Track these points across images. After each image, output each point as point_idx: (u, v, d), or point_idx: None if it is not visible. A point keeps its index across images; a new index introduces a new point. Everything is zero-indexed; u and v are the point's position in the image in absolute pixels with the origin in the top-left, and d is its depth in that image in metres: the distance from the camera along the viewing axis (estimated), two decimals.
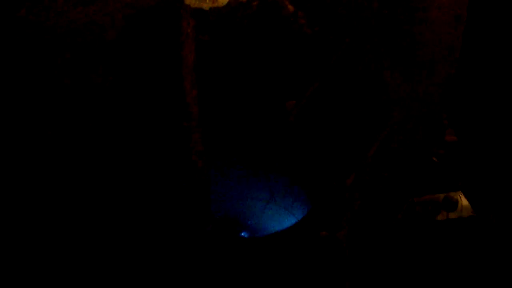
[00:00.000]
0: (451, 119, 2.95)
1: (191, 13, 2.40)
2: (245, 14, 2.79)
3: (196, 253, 2.58)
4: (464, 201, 2.73)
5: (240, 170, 3.08)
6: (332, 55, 2.88)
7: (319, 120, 2.95)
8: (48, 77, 2.29)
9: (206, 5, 2.40)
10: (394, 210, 2.82)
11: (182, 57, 2.42)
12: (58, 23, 2.24)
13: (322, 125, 2.95)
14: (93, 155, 2.46)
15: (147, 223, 2.55)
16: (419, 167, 2.84)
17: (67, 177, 2.42)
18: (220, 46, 2.88)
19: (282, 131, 2.98)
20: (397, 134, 2.72)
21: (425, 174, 2.86)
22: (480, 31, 3.32)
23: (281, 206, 3.08)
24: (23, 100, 2.28)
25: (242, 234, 3.12)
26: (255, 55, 3.01)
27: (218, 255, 2.59)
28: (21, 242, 2.39)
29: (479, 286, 2.65)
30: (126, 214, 2.53)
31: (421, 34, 2.59)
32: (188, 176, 2.55)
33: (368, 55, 2.68)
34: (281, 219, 3.08)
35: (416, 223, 2.74)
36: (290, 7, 2.88)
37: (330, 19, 2.81)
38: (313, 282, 2.68)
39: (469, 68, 3.25)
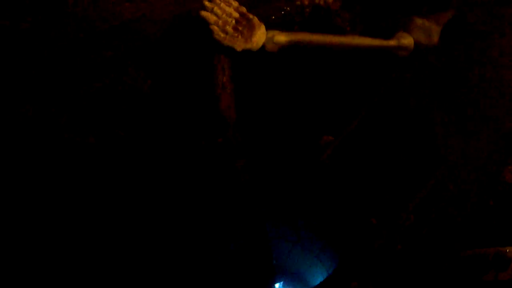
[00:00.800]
0: None
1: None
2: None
3: None
4: None
5: (267, 207, 2.83)
6: (381, 86, 2.56)
7: (355, 162, 2.64)
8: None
9: (238, 46, 2.15)
10: (437, 266, 2.43)
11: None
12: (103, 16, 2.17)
13: (359, 168, 2.63)
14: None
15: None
16: (471, 215, 2.44)
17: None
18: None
19: (313, 171, 2.70)
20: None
21: (477, 221, 2.45)
22: None
23: (308, 250, 2.79)
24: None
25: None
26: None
27: None
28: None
29: None
30: None
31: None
32: None
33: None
34: (307, 263, 2.79)
35: (459, 283, 2.34)
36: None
37: None
38: None
39: None
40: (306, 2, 2.48)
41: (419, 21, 2.29)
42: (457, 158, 2.30)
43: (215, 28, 2.10)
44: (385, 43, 2.28)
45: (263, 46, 2.17)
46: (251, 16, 2.15)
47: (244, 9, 2.18)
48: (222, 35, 2.12)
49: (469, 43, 2.32)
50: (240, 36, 2.11)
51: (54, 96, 2.26)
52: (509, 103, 2.24)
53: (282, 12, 2.49)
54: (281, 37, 2.17)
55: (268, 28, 2.18)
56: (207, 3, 2.15)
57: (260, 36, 2.13)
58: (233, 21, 2.11)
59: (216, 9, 2.13)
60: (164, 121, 2.37)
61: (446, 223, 2.39)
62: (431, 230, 2.40)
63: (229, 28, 2.10)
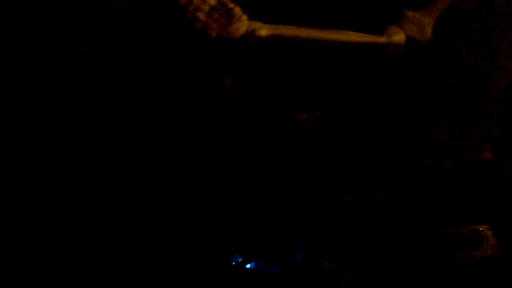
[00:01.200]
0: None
1: None
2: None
3: None
4: (490, 238, 2.32)
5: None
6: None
7: (330, 140, 2.55)
8: None
9: (211, 33, 1.97)
10: (412, 244, 2.43)
11: None
12: None
13: (334, 146, 2.55)
14: None
15: None
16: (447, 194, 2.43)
17: None
18: None
19: (286, 149, 2.59)
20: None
21: (453, 200, 2.45)
22: None
23: None
24: None
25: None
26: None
27: None
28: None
29: None
30: None
31: None
32: None
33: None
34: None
35: (434, 261, 2.35)
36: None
37: None
38: None
39: None
40: None
41: (410, 14, 2.15)
42: (439, 139, 2.25)
43: (188, 10, 1.93)
44: (374, 39, 2.13)
45: (245, 36, 2.02)
46: (231, 5, 1.98)
47: None
48: (196, 18, 1.96)
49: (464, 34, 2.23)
50: (214, 24, 1.96)
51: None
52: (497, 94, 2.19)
53: None
54: (262, 31, 2.01)
55: (253, 18, 2.03)
56: None
57: (239, 26, 1.98)
58: (207, 8, 1.95)
59: None
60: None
61: (421, 201, 2.37)
62: (406, 209, 2.38)
63: (200, 15, 1.94)
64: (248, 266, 2.61)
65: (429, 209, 2.37)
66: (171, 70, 2.28)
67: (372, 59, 2.32)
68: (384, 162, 2.36)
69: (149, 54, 2.22)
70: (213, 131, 2.41)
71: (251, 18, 1.99)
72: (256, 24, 2.00)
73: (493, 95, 2.19)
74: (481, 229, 2.29)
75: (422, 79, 2.25)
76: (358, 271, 2.37)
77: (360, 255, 2.41)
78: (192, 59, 2.29)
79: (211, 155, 2.44)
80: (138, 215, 2.34)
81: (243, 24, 1.95)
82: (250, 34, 1.97)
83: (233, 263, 2.67)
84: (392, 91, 2.30)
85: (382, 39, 2.10)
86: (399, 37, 2.11)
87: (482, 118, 2.23)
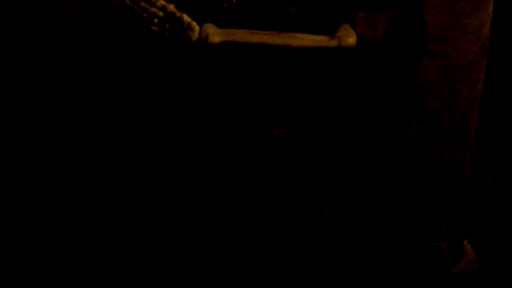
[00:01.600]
0: None
1: None
2: None
3: None
4: (470, 251, 2.30)
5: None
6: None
7: (307, 154, 2.51)
8: None
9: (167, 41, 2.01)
10: (391, 259, 2.40)
11: None
12: None
13: (311, 160, 2.51)
14: None
15: None
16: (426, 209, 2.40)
17: None
18: None
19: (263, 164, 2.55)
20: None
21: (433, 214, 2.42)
22: None
23: None
24: None
25: None
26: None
27: None
28: None
29: None
30: None
31: None
32: None
33: None
34: None
35: (413, 275, 2.31)
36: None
37: None
38: None
39: None
40: None
41: (363, 15, 2.12)
42: (417, 151, 2.22)
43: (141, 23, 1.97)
44: (326, 42, 2.10)
45: (199, 41, 2.02)
46: (178, 14, 1.98)
47: (171, 7, 2.02)
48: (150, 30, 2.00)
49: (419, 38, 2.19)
50: (168, 33, 1.97)
51: None
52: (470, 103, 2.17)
53: None
54: (215, 38, 2.02)
55: (204, 22, 2.03)
56: (127, 1, 1.98)
57: (191, 34, 1.98)
58: (156, 20, 1.97)
59: (142, 4, 1.98)
60: None
61: (402, 214, 2.34)
62: (386, 222, 2.34)
63: (153, 27, 1.97)
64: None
65: (408, 223, 2.34)
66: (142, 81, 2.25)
67: (328, 63, 2.29)
68: (362, 175, 2.33)
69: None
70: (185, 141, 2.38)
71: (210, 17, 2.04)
72: (210, 30, 2.02)
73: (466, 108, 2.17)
74: (463, 243, 2.27)
75: (383, 88, 2.22)
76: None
77: (336, 267, 2.37)
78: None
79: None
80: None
81: (195, 30, 1.98)
82: (203, 40, 2.00)
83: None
84: (353, 98, 2.28)
85: (334, 42, 2.07)
86: (351, 38, 2.08)
87: (462, 134, 2.21)
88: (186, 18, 2.00)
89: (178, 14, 1.99)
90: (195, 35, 2.02)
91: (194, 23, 2.01)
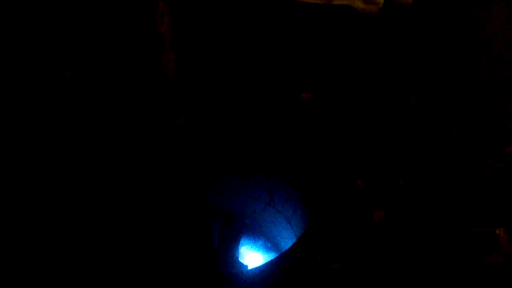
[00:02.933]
0: None
1: None
2: None
3: None
4: (505, 242, 2.16)
5: (241, 167, 2.62)
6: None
7: (338, 119, 2.45)
8: None
9: None
10: (419, 240, 2.27)
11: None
12: None
13: (342, 124, 2.44)
14: None
15: None
16: (462, 186, 2.27)
17: None
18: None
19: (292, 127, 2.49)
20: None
21: (470, 194, 2.28)
22: None
23: (280, 213, 2.59)
24: None
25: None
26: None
27: None
28: None
29: None
30: None
31: None
32: None
33: None
34: (279, 225, 2.59)
35: (441, 261, 2.18)
36: None
37: None
38: None
39: None
40: None
41: None
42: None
43: None
44: None
45: None
46: None
47: None
48: None
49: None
50: None
51: None
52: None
53: None
54: None
55: None
56: None
57: None
58: None
59: None
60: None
61: (437, 196, 2.24)
62: (420, 201, 2.24)
63: None
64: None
65: (444, 204, 2.23)
66: None
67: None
68: (394, 147, 2.25)
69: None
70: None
71: None
72: None
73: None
74: (496, 232, 2.14)
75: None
76: (354, 264, 2.21)
77: (361, 248, 2.26)
78: None
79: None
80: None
81: None
82: None
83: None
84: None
85: None
86: None
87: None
88: None
89: None
90: None
91: None
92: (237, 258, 2.48)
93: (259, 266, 2.10)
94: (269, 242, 2.69)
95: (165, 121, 2.08)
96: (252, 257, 2.67)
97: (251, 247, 2.70)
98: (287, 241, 2.51)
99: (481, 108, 2.28)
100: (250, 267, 2.36)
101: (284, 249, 2.37)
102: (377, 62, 2.32)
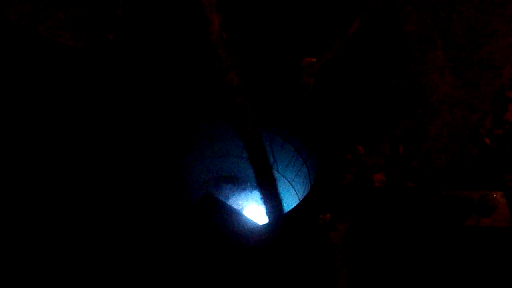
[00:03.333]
0: None
1: None
2: None
3: None
4: (503, 206, 2.13)
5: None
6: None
7: (340, 85, 2.42)
8: None
9: None
10: (418, 204, 2.27)
11: None
12: None
13: (345, 91, 2.42)
14: None
15: None
16: (461, 150, 2.24)
17: None
18: None
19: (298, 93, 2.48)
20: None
21: (470, 159, 2.25)
22: None
23: (283, 176, 2.62)
24: None
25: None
26: None
27: None
28: None
29: None
30: None
31: None
32: None
33: None
34: (282, 188, 2.63)
35: (438, 224, 2.18)
36: None
37: None
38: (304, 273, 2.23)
39: None
40: None
41: None
42: (443, 100, 2.09)
43: None
44: None
45: None
46: None
47: None
48: None
49: None
50: None
51: None
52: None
53: None
54: None
55: None
56: None
57: None
58: None
59: None
60: None
61: (433, 160, 2.22)
62: (420, 164, 2.23)
63: None
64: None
65: (440, 168, 2.22)
66: None
67: None
68: (394, 113, 2.23)
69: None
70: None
71: None
72: None
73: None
74: (494, 195, 2.12)
75: None
76: (357, 223, 2.24)
77: (363, 208, 2.28)
78: None
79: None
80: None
81: None
82: None
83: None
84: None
85: None
86: None
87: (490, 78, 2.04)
88: None
89: None
90: None
91: None
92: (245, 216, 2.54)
93: (267, 224, 2.16)
94: None
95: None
96: (258, 215, 2.73)
97: (258, 206, 2.76)
98: (290, 204, 2.55)
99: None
100: (258, 224, 2.42)
101: (288, 209, 2.41)
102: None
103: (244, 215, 2.47)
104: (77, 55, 2.13)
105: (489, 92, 2.22)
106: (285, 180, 2.62)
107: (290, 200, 2.58)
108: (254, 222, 2.46)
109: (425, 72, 2.23)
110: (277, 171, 2.63)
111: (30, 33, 2.02)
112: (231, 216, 2.42)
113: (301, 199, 2.45)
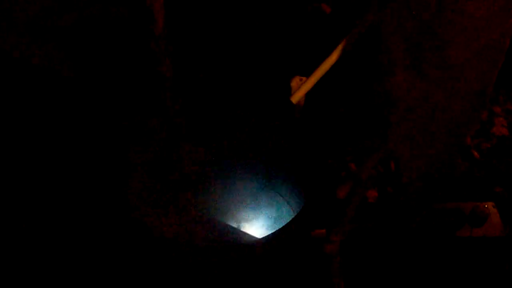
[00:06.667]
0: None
1: None
2: None
3: None
4: (494, 216, 2.19)
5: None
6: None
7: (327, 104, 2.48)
8: None
9: None
10: (410, 217, 2.32)
11: None
12: None
13: (331, 111, 2.48)
14: None
15: None
16: (451, 164, 2.30)
17: None
18: None
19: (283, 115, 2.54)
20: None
21: (458, 173, 2.32)
22: None
23: (278, 192, 2.67)
24: None
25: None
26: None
27: None
28: None
29: None
30: None
31: None
32: None
33: None
34: (276, 206, 2.67)
35: (432, 236, 2.23)
36: None
37: None
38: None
39: None
40: None
41: None
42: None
43: None
44: None
45: None
46: None
47: None
48: None
49: None
50: None
51: None
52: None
53: None
54: None
55: None
56: None
57: None
58: None
59: None
60: None
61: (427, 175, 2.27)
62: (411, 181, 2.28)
63: None
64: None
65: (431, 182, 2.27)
66: None
67: None
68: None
69: None
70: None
71: None
72: None
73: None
74: (485, 206, 2.17)
75: None
76: (352, 236, 2.27)
77: (357, 221, 2.32)
78: None
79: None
80: None
81: None
82: None
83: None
84: None
85: None
86: None
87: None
88: None
89: None
90: None
91: None
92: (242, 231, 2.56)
93: (266, 237, 2.17)
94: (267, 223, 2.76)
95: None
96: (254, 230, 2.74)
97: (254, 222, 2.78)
98: (285, 220, 2.58)
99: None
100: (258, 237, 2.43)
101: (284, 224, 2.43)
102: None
103: (240, 230, 2.50)
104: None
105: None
106: (279, 196, 2.66)
107: (285, 218, 2.61)
108: (251, 235, 2.49)
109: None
110: (272, 187, 2.68)
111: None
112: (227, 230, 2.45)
113: (295, 215, 2.48)
